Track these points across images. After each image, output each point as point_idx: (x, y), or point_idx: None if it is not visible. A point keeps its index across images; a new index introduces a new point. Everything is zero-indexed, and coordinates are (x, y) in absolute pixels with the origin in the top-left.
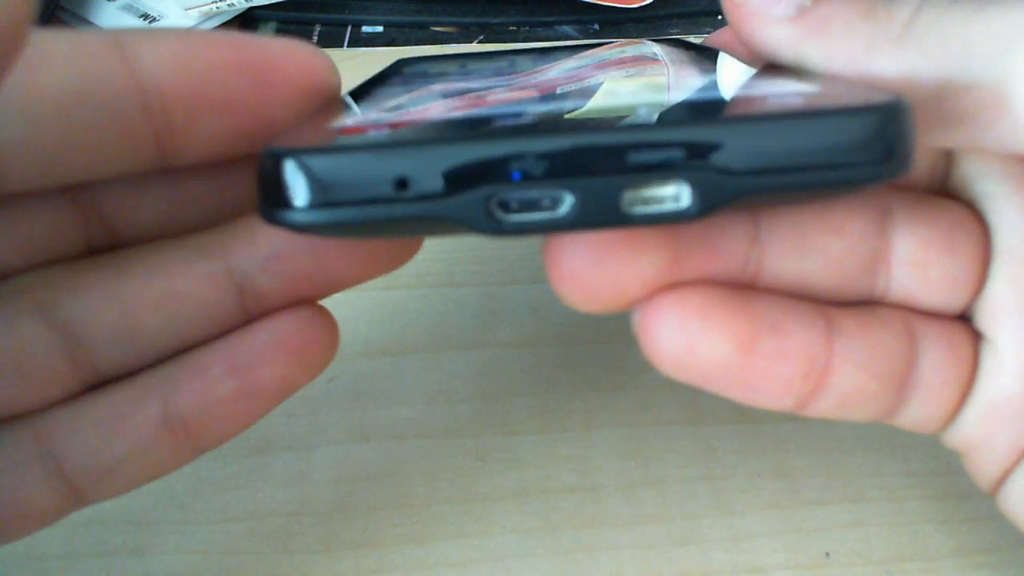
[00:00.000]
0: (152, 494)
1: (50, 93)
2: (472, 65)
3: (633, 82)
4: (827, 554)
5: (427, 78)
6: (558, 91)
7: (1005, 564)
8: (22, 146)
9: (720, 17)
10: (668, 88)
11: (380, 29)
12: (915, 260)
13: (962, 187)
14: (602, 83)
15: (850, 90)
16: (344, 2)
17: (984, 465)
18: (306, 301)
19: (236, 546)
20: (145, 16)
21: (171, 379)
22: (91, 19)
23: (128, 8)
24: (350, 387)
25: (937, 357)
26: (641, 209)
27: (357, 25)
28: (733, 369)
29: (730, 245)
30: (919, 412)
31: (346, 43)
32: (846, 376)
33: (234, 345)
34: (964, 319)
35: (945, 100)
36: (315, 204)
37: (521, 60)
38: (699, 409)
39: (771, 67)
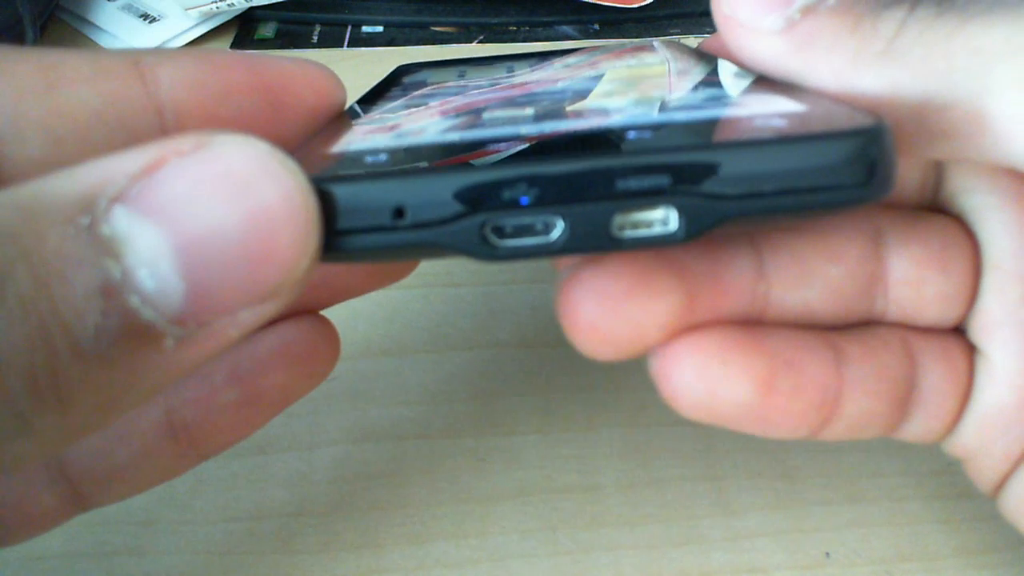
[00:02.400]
0: (152, 494)
1: (70, 113)
2: (472, 72)
3: (633, 73)
4: (827, 554)
5: (427, 88)
6: (559, 84)
7: (1005, 564)
8: (42, 165)
9: None
10: (668, 81)
11: (380, 29)
12: (910, 279)
13: (952, 201)
14: (603, 74)
15: (834, 111)
16: (344, 2)
17: (983, 471)
18: (308, 311)
19: (236, 546)
20: (145, 16)
21: (174, 387)
22: (91, 19)
23: (128, 8)
24: (350, 387)
25: (936, 373)
26: (631, 233)
27: (357, 25)
28: (753, 409)
29: (738, 281)
30: (920, 426)
31: (346, 43)
32: (856, 402)
33: (237, 353)
34: (959, 332)
35: (929, 114)
36: None
37: (521, 64)
38: None
39: (763, 79)
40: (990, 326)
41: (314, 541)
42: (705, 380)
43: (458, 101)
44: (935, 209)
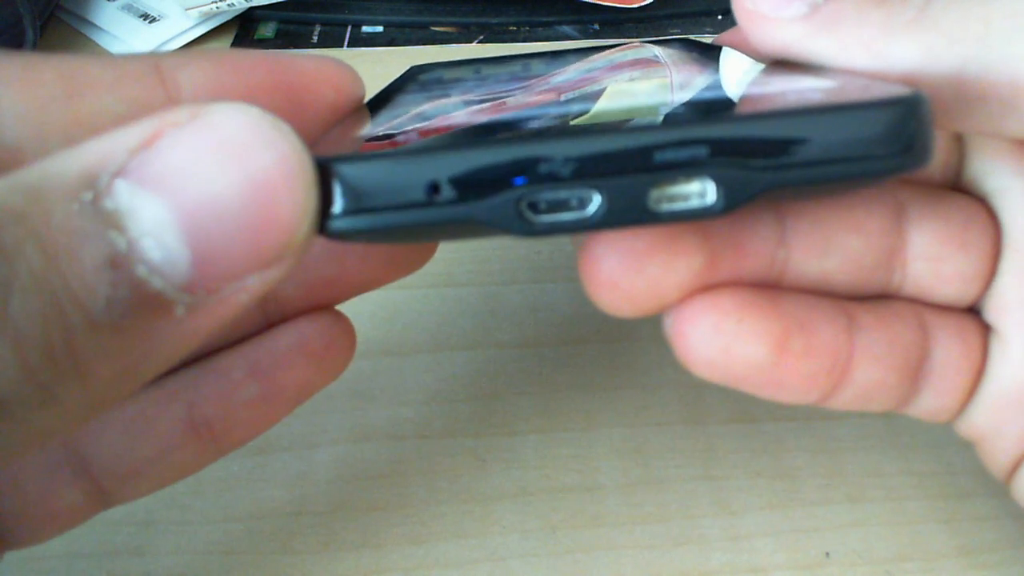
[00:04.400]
0: (152, 494)
1: (93, 120)
2: (484, 72)
3: (636, 85)
4: (827, 554)
5: (443, 85)
6: (562, 99)
7: (1005, 564)
8: None
9: (720, 17)
10: (671, 88)
11: (380, 29)
12: (929, 255)
13: (974, 182)
14: (605, 88)
15: (868, 85)
16: (344, 2)
17: (996, 454)
18: (325, 306)
19: (236, 546)
20: (145, 16)
21: (195, 382)
22: (91, 19)
23: (128, 8)
24: (350, 387)
25: (948, 349)
26: (668, 207)
27: (357, 25)
28: (766, 369)
29: (759, 246)
30: (931, 402)
31: (346, 43)
32: (866, 370)
33: (256, 349)
34: (974, 311)
35: (963, 84)
36: (350, 211)
37: (531, 66)
38: (699, 409)
39: (778, 63)
40: (1006, 307)
41: (314, 541)
42: (720, 338)
43: (474, 97)
44: (958, 190)
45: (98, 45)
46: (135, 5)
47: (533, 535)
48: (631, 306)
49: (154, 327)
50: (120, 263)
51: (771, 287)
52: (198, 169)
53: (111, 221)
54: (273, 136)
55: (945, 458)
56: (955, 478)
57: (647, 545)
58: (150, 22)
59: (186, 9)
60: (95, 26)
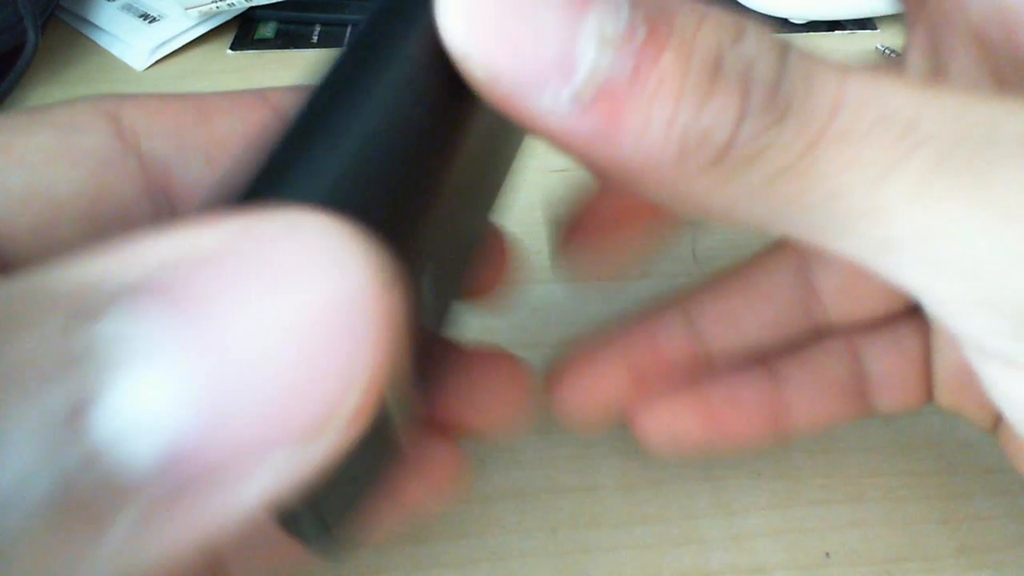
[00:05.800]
0: None
1: (221, 139)
2: None
3: None
4: (827, 554)
5: None
6: None
7: (1005, 564)
8: (202, 186)
9: None
10: None
11: None
12: (841, 289)
13: None
14: None
15: None
16: (344, 2)
17: (974, 422)
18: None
19: None
20: (145, 16)
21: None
22: (91, 19)
23: (128, 8)
24: None
25: (885, 363)
26: None
27: (357, 25)
28: (712, 441)
29: (673, 348)
30: (891, 405)
31: (346, 43)
32: (805, 412)
33: None
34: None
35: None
36: None
37: None
38: None
39: None
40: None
41: None
42: (666, 430)
43: None
44: None
45: (98, 45)
46: (135, 5)
47: (533, 535)
48: (592, 419)
49: (103, 524)
50: (78, 422)
51: (703, 364)
52: (225, 295)
53: (82, 360)
54: (345, 258)
55: (944, 458)
56: (954, 478)
57: (647, 545)
58: (150, 22)
59: (186, 9)
60: (95, 26)
